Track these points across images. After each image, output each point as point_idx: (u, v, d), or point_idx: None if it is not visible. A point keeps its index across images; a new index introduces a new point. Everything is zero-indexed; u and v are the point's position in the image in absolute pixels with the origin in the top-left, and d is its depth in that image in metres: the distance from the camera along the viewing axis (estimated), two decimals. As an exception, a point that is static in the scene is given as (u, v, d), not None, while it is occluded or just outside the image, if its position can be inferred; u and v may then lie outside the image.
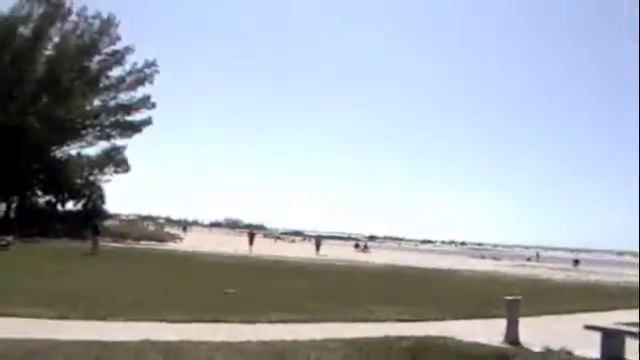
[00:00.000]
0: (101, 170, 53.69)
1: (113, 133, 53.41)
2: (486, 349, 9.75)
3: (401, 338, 10.54)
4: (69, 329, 10.15)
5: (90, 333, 9.81)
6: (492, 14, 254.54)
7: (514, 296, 13.15)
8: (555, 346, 11.09)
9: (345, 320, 13.48)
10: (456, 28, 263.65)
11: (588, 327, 12.18)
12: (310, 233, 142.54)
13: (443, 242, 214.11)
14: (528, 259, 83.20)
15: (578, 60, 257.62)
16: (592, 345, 11.17)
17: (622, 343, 11.39)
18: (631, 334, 11.70)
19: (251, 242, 55.61)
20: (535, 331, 12.93)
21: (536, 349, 10.92)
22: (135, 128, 53.40)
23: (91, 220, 51.17)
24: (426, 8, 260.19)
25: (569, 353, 10.64)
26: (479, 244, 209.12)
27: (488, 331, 12.72)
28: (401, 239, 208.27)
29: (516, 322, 12.29)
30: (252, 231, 67.57)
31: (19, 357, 7.80)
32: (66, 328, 10.27)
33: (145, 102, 52.82)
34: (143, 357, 8.32)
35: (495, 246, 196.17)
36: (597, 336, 11.48)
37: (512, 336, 12.03)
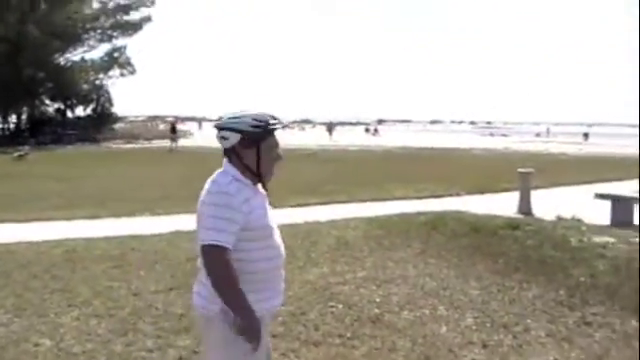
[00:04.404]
0: (106, 73, 53.37)
1: (114, 34, 52.72)
2: (500, 220, 10.16)
3: (419, 213, 11.00)
4: (101, 227, 10.65)
5: (122, 229, 10.30)
6: None
7: (526, 168, 13.52)
8: (567, 215, 11.52)
9: (364, 200, 13.96)
10: None
11: (598, 195, 12.62)
12: (319, 120, 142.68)
13: (452, 122, 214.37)
14: (537, 135, 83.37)
15: None
16: (603, 212, 11.63)
17: (631, 209, 11.83)
18: (640, 200, 12.10)
19: None
20: (547, 202, 13.41)
21: (548, 218, 11.35)
22: (136, 27, 52.67)
23: (101, 124, 51.64)
24: None
25: (579, 220, 11.05)
26: (489, 122, 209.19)
27: (501, 203, 13.17)
28: (409, 121, 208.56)
29: (528, 193, 12.73)
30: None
31: (59, 255, 8.29)
32: (98, 226, 10.77)
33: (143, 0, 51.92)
34: (176, 245, 8.80)
35: (505, 123, 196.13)
36: (608, 204, 11.93)
37: (525, 207, 12.49)
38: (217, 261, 2.63)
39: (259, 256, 2.79)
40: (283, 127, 2.99)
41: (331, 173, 20.35)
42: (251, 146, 2.82)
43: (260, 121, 2.83)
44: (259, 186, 2.92)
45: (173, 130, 40.41)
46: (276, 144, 2.93)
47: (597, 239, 8.90)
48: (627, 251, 8.21)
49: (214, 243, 2.63)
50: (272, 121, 2.88)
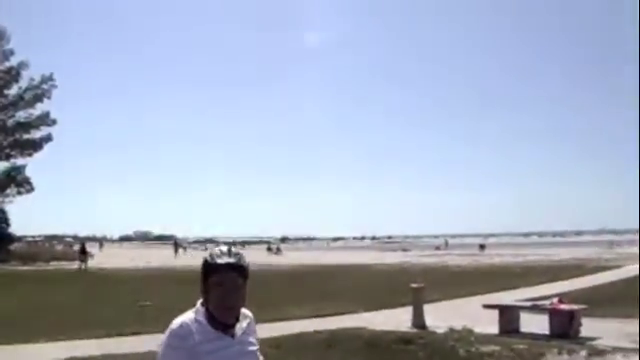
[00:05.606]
0: (2, 192, 52.04)
1: (13, 153, 51.81)
2: (394, 335, 10.60)
3: (316, 332, 11.28)
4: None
5: (16, 357, 10.04)
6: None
7: (418, 284, 14.15)
8: (458, 326, 12.08)
9: (263, 321, 14.05)
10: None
11: (486, 306, 13.34)
12: (222, 240, 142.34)
13: (355, 238, 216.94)
14: (437, 248, 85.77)
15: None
16: (492, 321, 12.28)
17: (517, 317, 12.55)
18: (524, 308, 12.88)
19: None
20: (441, 314, 14.00)
21: (440, 330, 11.87)
22: (35, 146, 51.98)
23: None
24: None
25: (470, 330, 11.63)
26: (389, 237, 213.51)
27: (398, 318, 13.64)
28: (313, 238, 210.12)
29: (421, 307, 13.27)
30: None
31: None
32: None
33: (44, 119, 51.42)
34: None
35: (405, 238, 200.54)
36: (496, 313, 12.64)
37: (419, 321, 12.99)
38: None
39: None
40: (228, 262, 2.64)
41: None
42: (203, 282, 2.65)
43: (210, 255, 2.67)
44: (238, 327, 2.75)
45: (83, 251, 42.28)
46: (225, 281, 2.63)
47: (484, 348, 9.46)
48: (511, 358, 8.76)
49: None
50: (218, 259, 2.64)
